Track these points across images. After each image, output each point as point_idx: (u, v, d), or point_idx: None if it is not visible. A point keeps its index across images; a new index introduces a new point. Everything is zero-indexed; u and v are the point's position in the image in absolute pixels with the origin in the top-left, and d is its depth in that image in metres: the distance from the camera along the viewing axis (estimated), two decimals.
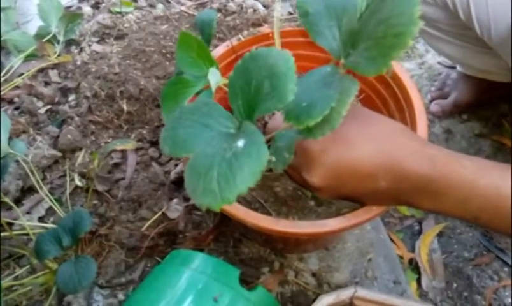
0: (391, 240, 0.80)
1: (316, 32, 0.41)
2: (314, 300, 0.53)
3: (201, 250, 0.72)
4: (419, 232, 0.84)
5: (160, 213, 0.76)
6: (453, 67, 1.03)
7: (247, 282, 0.68)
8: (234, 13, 1.15)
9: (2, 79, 0.95)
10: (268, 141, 0.43)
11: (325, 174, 0.45)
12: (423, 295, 0.76)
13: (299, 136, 0.42)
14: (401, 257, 0.79)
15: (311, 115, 0.35)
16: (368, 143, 0.45)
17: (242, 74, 0.36)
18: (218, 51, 0.67)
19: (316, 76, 0.40)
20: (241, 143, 0.33)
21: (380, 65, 0.34)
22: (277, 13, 0.55)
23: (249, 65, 0.35)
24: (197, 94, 0.49)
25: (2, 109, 0.91)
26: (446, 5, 0.75)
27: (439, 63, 1.12)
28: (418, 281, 0.77)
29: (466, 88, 0.97)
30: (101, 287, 0.70)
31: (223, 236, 0.75)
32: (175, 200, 0.77)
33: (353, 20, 0.38)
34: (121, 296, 0.70)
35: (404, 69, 0.64)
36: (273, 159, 0.45)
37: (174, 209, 0.76)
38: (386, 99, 0.66)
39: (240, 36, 0.68)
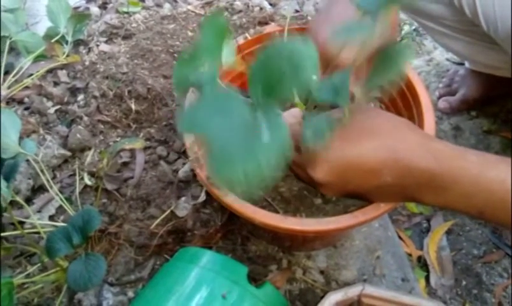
0: (400, 237, 0.80)
1: None
2: (322, 297, 0.53)
3: (209, 248, 0.72)
4: (428, 229, 0.83)
5: (168, 211, 0.76)
6: (461, 64, 1.02)
7: (255, 280, 0.69)
8: (240, 11, 1.15)
9: (13, 80, 0.96)
10: None
11: (329, 171, 0.46)
12: (431, 293, 0.76)
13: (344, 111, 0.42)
14: (409, 255, 0.79)
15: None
16: (372, 139, 0.45)
17: (264, 64, 0.36)
18: None
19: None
20: (264, 127, 0.33)
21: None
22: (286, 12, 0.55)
23: (273, 56, 0.35)
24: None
25: (13, 109, 0.92)
26: (451, 2, 0.75)
27: (447, 59, 1.11)
28: (427, 279, 0.77)
29: (474, 84, 0.96)
30: (111, 284, 0.71)
31: (231, 234, 0.75)
32: (183, 198, 0.78)
33: None
34: (130, 294, 0.71)
35: (411, 66, 0.64)
36: (309, 132, 0.43)
37: (183, 207, 0.76)
38: (393, 96, 0.66)
39: (246, 34, 0.69)
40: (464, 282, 0.77)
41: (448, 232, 0.83)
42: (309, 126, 0.44)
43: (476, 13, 0.69)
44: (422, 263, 0.79)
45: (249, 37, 0.68)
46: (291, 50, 0.35)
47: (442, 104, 0.99)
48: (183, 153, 0.86)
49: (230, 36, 0.50)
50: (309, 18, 1.13)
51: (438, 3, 0.78)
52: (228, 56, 0.46)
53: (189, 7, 1.18)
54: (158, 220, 0.75)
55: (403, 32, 1.17)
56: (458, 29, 0.82)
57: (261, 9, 1.15)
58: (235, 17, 1.11)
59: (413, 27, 1.18)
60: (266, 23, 1.08)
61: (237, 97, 0.37)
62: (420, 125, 0.57)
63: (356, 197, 0.52)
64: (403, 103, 0.64)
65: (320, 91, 0.42)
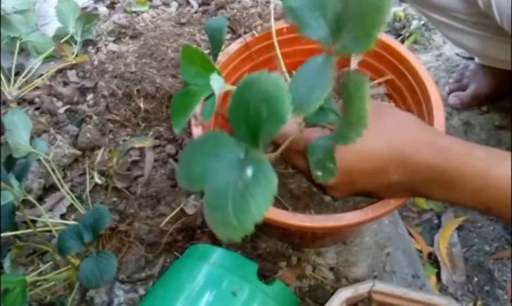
0: (410, 234, 0.79)
1: (304, 25, 0.42)
2: (332, 294, 0.53)
3: (219, 245, 0.72)
4: (438, 226, 0.83)
5: (178, 209, 0.76)
6: (471, 59, 1.01)
7: (265, 277, 0.69)
8: (250, 7, 1.15)
9: (23, 80, 0.97)
10: (275, 149, 0.43)
11: (335, 172, 0.45)
12: (442, 289, 0.75)
13: (335, 143, 0.42)
14: (420, 252, 0.78)
15: (311, 101, 0.35)
16: (377, 138, 0.45)
17: (239, 103, 0.37)
18: (231, 47, 0.67)
19: (310, 67, 0.41)
20: (249, 171, 0.33)
21: (364, 44, 0.35)
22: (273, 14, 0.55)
23: (244, 93, 0.36)
24: (206, 99, 0.49)
25: (24, 109, 0.93)
26: None
27: (457, 54, 1.10)
28: (438, 275, 0.77)
29: (485, 79, 0.95)
30: (122, 282, 0.72)
31: None
32: (192, 196, 0.78)
33: (336, 5, 0.39)
34: (141, 291, 0.71)
35: (420, 61, 0.63)
36: (319, 173, 0.45)
37: (192, 205, 0.77)
38: (402, 91, 0.65)
39: (254, 31, 0.69)
40: (476, 279, 0.76)
41: (459, 228, 0.82)
42: (311, 160, 0.45)
43: (490, 3, 0.68)
44: (433, 260, 0.79)
45: (257, 35, 0.68)
46: (264, 88, 0.35)
47: (452, 99, 0.98)
48: None
49: (214, 63, 0.51)
50: None
51: None
52: (217, 84, 0.46)
53: (196, 4, 1.18)
54: (168, 218, 0.75)
55: (411, 27, 1.16)
56: (469, 22, 0.81)
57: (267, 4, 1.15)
58: (244, 14, 1.11)
59: (422, 22, 1.17)
60: (276, 20, 1.08)
61: (228, 138, 0.37)
62: (430, 121, 0.57)
63: (365, 195, 0.52)
64: (412, 99, 0.63)
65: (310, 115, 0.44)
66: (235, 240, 0.31)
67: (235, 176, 0.34)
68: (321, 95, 0.35)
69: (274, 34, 0.59)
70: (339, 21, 0.38)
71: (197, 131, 0.57)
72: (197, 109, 0.49)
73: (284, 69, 0.57)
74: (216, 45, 0.55)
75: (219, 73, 0.49)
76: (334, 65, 0.37)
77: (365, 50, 0.35)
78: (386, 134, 0.45)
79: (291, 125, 0.51)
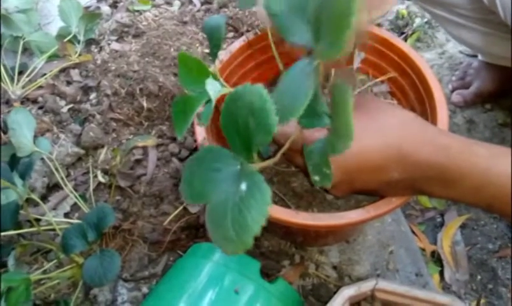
0: (413, 232, 0.79)
1: (287, 31, 0.42)
2: (335, 293, 0.53)
3: None
4: (442, 224, 0.83)
5: (181, 207, 0.77)
6: (475, 56, 1.00)
7: (268, 275, 0.69)
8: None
9: (27, 79, 0.97)
10: (277, 150, 0.43)
11: (335, 171, 0.45)
12: (446, 288, 0.75)
13: (327, 151, 0.42)
14: (423, 250, 0.78)
15: (296, 107, 0.35)
16: (375, 137, 0.45)
17: (229, 116, 0.37)
18: (234, 46, 0.67)
19: (294, 73, 0.40)
20: (243, 186, 0.34)
21: (335, 49, 0.34)
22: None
23: (232, 107, 0.36)
24: (207, 103, 0.50)
25: (27, 109, 0.93)
26: None
27: (460, 52, 1.09)
28: (441, 274, 0.76)
29: (488, 77, 0.94)
30: (125, 280, 0.72)
31: None
32: None
33: (315, 9, 0.38)
34: (145, 289, 0.71)
35: (423, 59, 0.63)
36: (316, 178, 0.45)
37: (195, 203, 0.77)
38: (405, 89, 0.65)
39: (257, 30, 0.69)
40: (479, 277, 0.76)
41: (462, 226, 0.82)
42: (309, 164, 0.45)
43: None
44: (436, 258, 0.79)
45: (260, 33, 0.68)
46: (249, 100, 0.35)
47: (455, 97, 0.98)
48: (194, 150, 0.86)
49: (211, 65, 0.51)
50: None
51: None
52: (213, 89, 0.46)
53: (199, 3, 1.18)
54: (171, 217, 0.76)
55: (414, 25, 1.16)
56: (472, 18, 0.80)
57: None
58: (246, 12, 1.11)
59: (425, 20, 1.17)
60: None
61: (225, 152, 0.38)
62: (433, 119, 0.57)
63: (366, 194, 0.52)
64: (415, 97, 0.63)
65: (302, 119, 0.44)
66: (238, 253, 0.32)
67: (233, 190, 0.34)
68: (302, 102, 0.35)
69: (269, 33, 0.59)
70: (318, 25, 0.37)
71: (199, 130, 0.57)
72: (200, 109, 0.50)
73: (282, 68, 0.57)
74: (215, 44, 0.55)
75: (215, 77, 0.49)
76: (318, 70, 0.37)
77: (336, 55, 0.34)
78: (385, 133, 0.45)
79: (292, 125, 0.51)
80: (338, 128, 0.39)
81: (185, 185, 0.40)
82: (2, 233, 0.64)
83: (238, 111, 0.36)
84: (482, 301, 0.73)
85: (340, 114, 0.37)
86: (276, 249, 0.73)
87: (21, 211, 0.64)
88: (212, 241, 0.33)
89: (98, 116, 0.92)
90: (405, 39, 1.13)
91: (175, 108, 0.48)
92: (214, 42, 0.54)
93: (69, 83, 1.01)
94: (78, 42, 1.05)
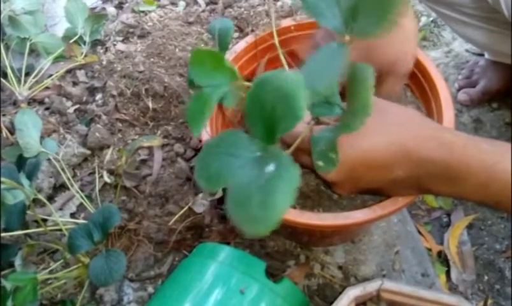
0: (419, 232, 0.79)
1: (318, 14, 0.43)
2: (340, 293, 0.53)
3: (227, 244, 0.73)
4: (448, 224, 0.82)
5: (186, 207, 0.77)
6: (481, 55, 1.00)
7: (273, 275, 0.69)
8: (258, 5, 1.14)
9: (33, 80, 0.98)
10: (289, 146, 0.44)
11: (339, 169, 0.45)
12: (452, 288, 0.75)
13: (338, 133, 0.43)
14: (429, 250, 0.78)
15: (328, 83, 0.37)
16: (380, 135, 0.45)
17: (255, 101, 0.37)
18: (239, 46, 0.67)
19: (323, 53, 0.41)
20: (271, 167, 0.35)
21: (381, 27, 0.36)
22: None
23: (260, 91, 0.37)
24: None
25: (34, 109, 0.94)
26: None
27: (467, 50, 1.09)
28: (448, 274, 0.76)
29: (495, 75, 0.94)
30: (131, 280, 0.72)
31: None
32: (200, 195, 0.78)
33: None
34: (150, 289, 0.72)
35: (429, 58, 0.63)
36: (320, 163, 0.45)
37: (200, 203, 0.77)
38: (411, 89, 0.65)
39: (261, 30, 0.69)
40: (486, 277, 0.76)
41: (469, 226, 0.81)
42: (314, 151, 0.46)
43: None
44: (442, 258, 0.78)
45: (263, 33, 0.68)
46: (279, 85, 0.36)
47: (462, 96, 0.97)
48: (199, 150, 0.86)
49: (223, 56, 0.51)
50: None
51: None
52: (224, 80, 0.47)
53: (204, 4, 1.18)
54: (176, 217, 0.76)
55: (420, 23, 1.15)
56: (478, 17, 0.80)
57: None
58: (252, 12, 1.11)
59: (431, 19, 1.16)
60: (285, 18, 1.07)
61: (243, 137, 0.39)
62: (439, 118, 0.56)
63: (371, 193, 0.51)
64: (421, 96, 0.63)
65: (315, 108, 0.45)
66: (262, 235, 0.32)
67: (255, 172, 0.35)
68: (334, 75, 0.36)
69: (274, 32, 0.59)
70: (354, 9, 0.39)
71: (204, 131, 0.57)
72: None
73: (287, 67, 0.57)
74: (223, 47, 0.55)
75: (232, 69, 0.49)
76: (347, 53, 0.38)
77: (383, 31, 0.36)
78: (389, 131, 0.45)
79: (301, 125, 0.51)
80: (355, 105, 0.39)
81: (200, 168, 0.40)
82: (10, 233, 0.65)
83: (265, 96, 0.36)
84: (489, 301, 0.73)
85: (359, 91, 0.38)
86: (281, 249, 0.73)
87: (28, 212, 0.65)
88: (233, 223, 0.34)
89: (104, 117, 0.92)
90: None
91: (190, 108, 0.48)
92: (223, 45, 0.55)
93: (75, 84, 1.01)
94: (84, 43, 1.05)
